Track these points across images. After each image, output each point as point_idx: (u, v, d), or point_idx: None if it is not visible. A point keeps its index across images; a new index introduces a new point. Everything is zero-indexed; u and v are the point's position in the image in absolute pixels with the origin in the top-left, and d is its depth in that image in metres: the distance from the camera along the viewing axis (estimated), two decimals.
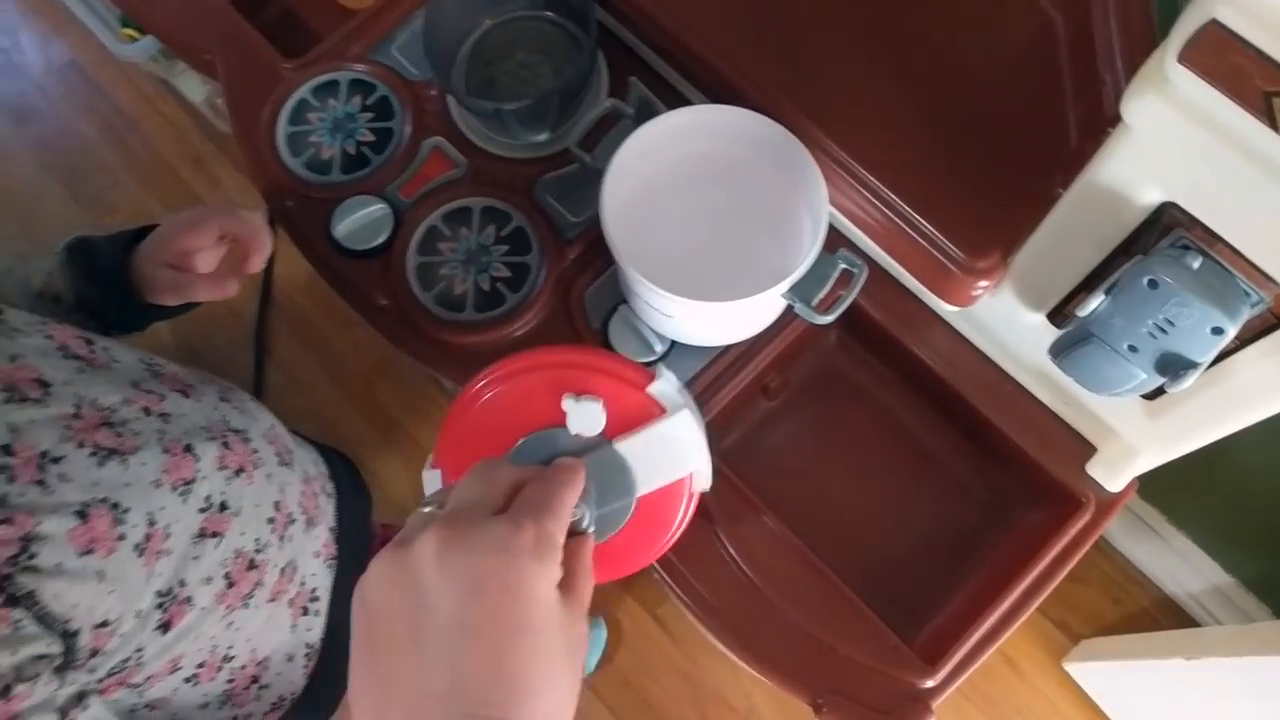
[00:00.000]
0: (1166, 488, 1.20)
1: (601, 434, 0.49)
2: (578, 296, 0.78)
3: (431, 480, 0.51)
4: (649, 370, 0.51)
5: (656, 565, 0.75)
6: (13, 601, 0.43)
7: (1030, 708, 1.32)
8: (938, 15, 0.75)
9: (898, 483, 0.81)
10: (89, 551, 0.47)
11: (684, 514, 0.51)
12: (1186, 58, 0.44)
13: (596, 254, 0.79)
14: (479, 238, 0.79)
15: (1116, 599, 1.36)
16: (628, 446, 0.49)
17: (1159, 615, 1.34)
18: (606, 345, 0.77)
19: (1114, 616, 1.35)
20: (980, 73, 0.74)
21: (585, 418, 0.49)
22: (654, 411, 0.50)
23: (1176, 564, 1.27)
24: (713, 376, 0.77)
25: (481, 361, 0.51)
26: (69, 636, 0.45)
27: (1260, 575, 1.07)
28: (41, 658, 0.43)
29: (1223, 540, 1.18)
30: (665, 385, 0.50)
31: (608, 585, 1.40)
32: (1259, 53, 0.42)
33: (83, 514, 0.48)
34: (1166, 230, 0.55)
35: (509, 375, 0.51)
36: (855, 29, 0.75)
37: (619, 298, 0.78)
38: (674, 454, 0.50)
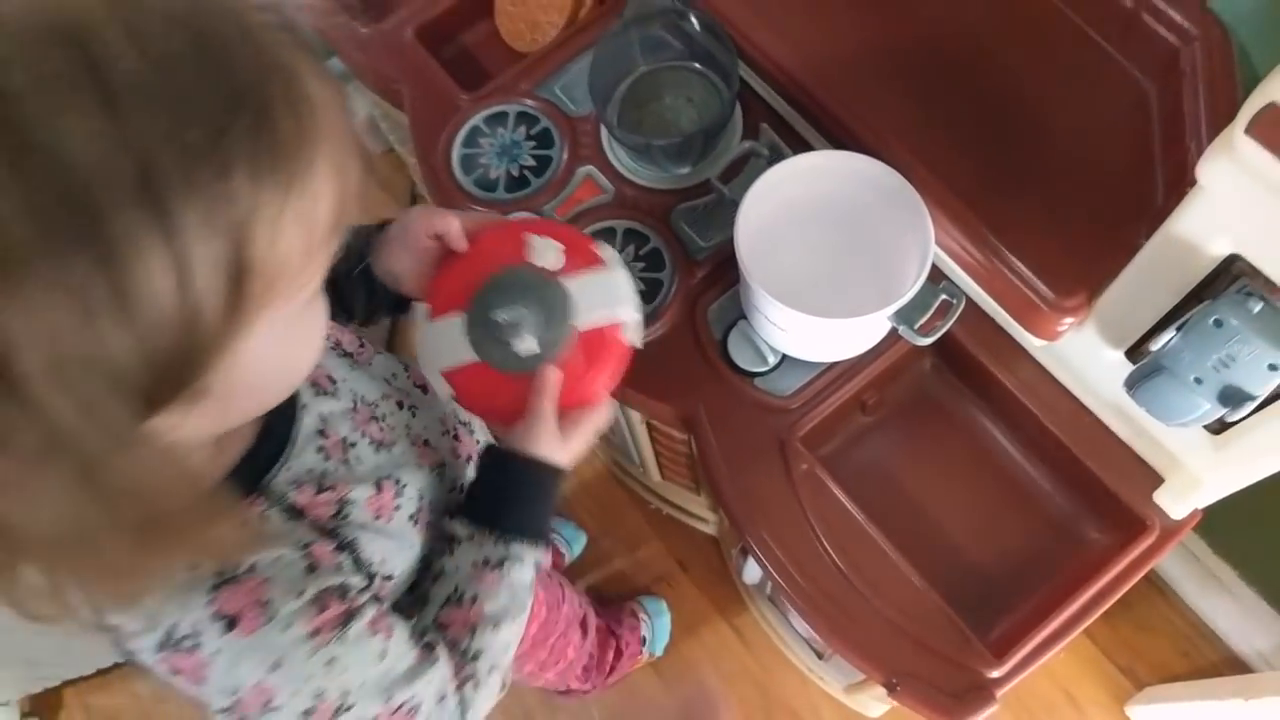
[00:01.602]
0: (1240, 543, 1.25)
1: (556, 273, 0.64)
2: (702, 311, 0.89)
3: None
4: (596, 240, 0.68)
5: (758, 551, 0.84)
6: (341, 546, 0.55)
7: None
8: (1045, 82, 0.85)
9: (979, 497, 0.89)
10: (378, 517, 0.58)
11: (619, 359, 0.65)
12: (1252, 131, 0.53)
13: (721, 275, 0.90)
14: (620, 255, 0.91)
15: (1185, 652, 1.39)
16: (572, 282, 0.64)
17: (1225, 671, 1.37)
18: (725, 355, 0.88)
19: (1181, 668, 1.38)
20: (1080, 134, 0.83)
21: (544, 253, 0.65)
22: (596, 265, 0.65)
23: (1246, 620, 1.31)
24: (818, 389, 0.87)
25: None
26: (369, 580, 0.57)
27: None
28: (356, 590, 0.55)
29: None
30: (608, 248, 0.67)
31: (689, 596, 1.49)
32: None
33: (377, 485, 0.59)
34: (1234, 279, 0.64)
35: (485, 229, 0.67)
36: (968, 88, 0.86)
37: (738, 314, 0.89)
38: (608, 299, 0.64)
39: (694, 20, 0.90)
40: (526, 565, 0.62)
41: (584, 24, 1.01)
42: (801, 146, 0.91)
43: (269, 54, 0.39)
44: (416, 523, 0.62)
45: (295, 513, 0.54)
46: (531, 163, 0.96)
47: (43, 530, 0.39)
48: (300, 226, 0.40)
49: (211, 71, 0.37)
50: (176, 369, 0.38)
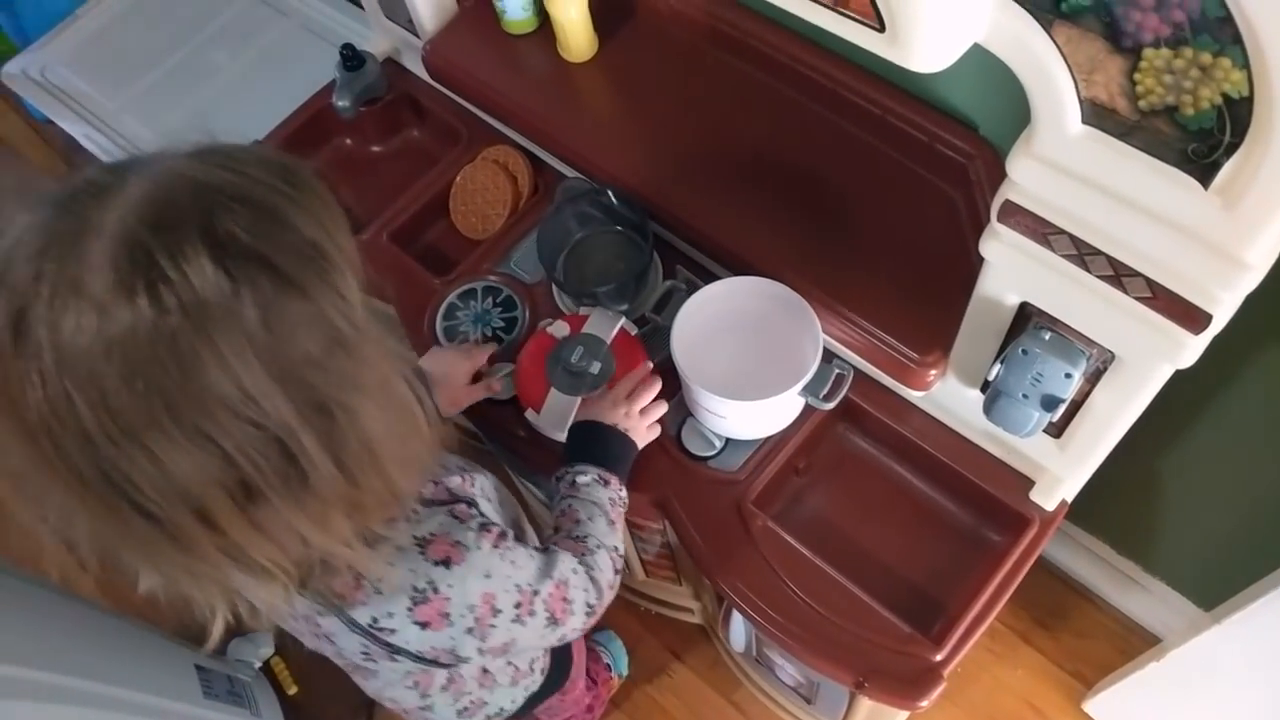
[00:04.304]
0: (1138, 540, 1.47)
1: (576, 331, 1.11)
2: None
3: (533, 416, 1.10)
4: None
5: (737, 600, 1.04)
6: (470, 503, 0.78)
7: None
8: (881, 199, 1.12)
9: (900, 524, 1.11)
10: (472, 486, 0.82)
11: (636, 342, 1.11)
12: (1001, 219, 0.79)
13: (665, 384, 1.13)
14: None
15: (1121, 649, 1.59)
16: (586, 325, 1.11)
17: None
18: (681, 446, 1.10)
19: (1121, 663, 1.57)
20: (912, 234, 1.09)
21: (560, 328, 1.12)
22: (588, 316, 1.13)
23: (1160, 608, 1.52)
24: (759, 460, 1.09)
25: None
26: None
27: (1217, 598, 1.32)
28: None
29: (1189, 578, 1.44)
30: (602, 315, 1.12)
31: (689, 682, 1.66)
32: (1032, 215, 0.76)
33: (461, 474, 0.81)
34: (1028, 318, 0.89)
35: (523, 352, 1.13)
36: (824, 214, 1.12)
37: (686, 412, 1.11)
38: (611, 321, 1.11)
39: (611, 196, 1.17)
40: (590, 478, 0.96)
41: (524, 212, 1.28)
42: (710, 277, 1.16)
43: (309, 228, 0.58)
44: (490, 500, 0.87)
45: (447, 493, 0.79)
46: (501, 324, 1.19)
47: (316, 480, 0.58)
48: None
49: (284, 233, 0.57)
50: None
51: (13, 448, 0.53)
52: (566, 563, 0.85)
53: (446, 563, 0.72)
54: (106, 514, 0.54)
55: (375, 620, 0.72)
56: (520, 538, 0.83)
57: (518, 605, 0.78)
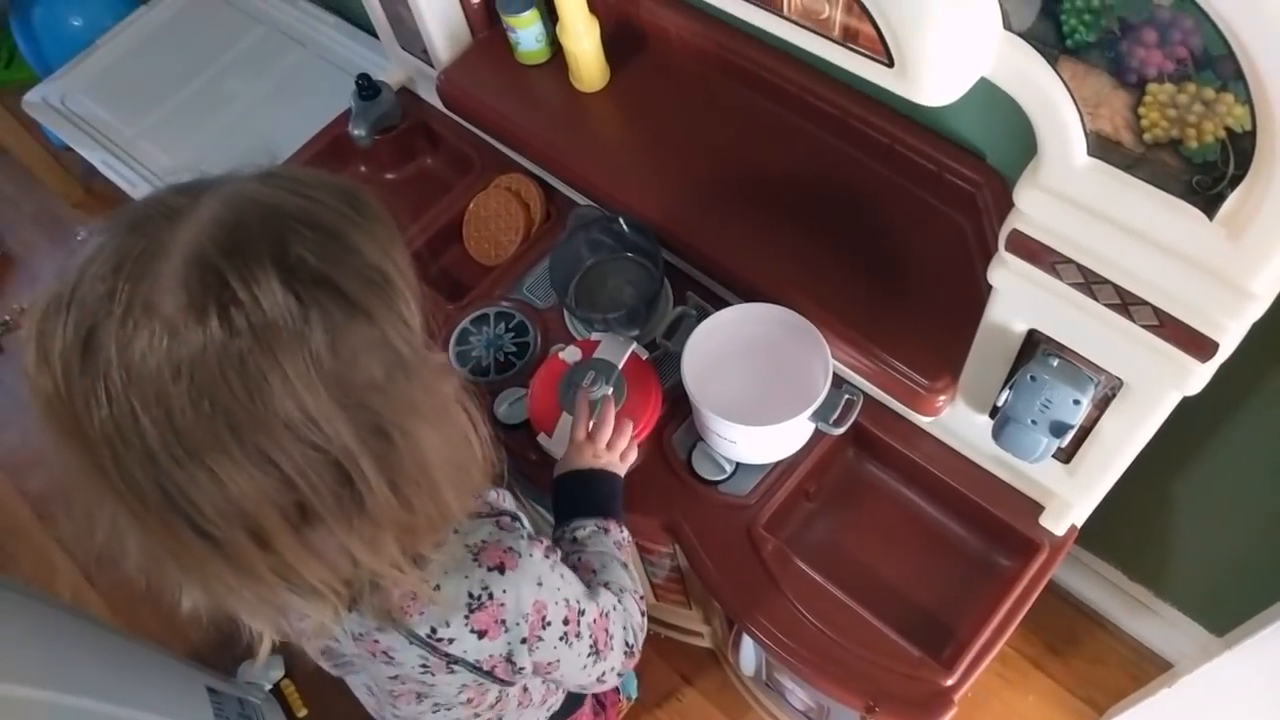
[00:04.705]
0: (1149, 565, 1.47)
1: (588, 355, 1.13)
2: (668, 439, 1.13)
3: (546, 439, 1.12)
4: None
5: (747, 624, 1.04)
6: (514, 518, 0.78)
7: None
8: (890, 226, 1.13)
9: (910, 549, 1.11)
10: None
11: (647, 367, 1.13)
12: (1009, 247, 0.80)
13: (676, 410, 1.14)
14: None
15: (1133, 675, 1.58)
16: (598, 350, 1.12)
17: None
18: (691, 470, 1.11)
19: (1133, 689, 1.56)
20: (922, 261, 1.10)
21: (572, 353, 1.14)
22: (599, 342, 1.15)
23: (1172, 633, 1.52)
24: (769, 485, 1.10)
25: None
26: None
27: (1229, 623, 1.32)
28: None
29: (1200, 603, 1.44)
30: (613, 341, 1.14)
31: (698, 706, 1.66)
32: (1040, 243, 0.77)
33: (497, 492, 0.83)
34: (1036, 345, 0.89)
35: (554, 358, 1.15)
36: (834, 241, 1.13)
37: (696, 437, 1.12)
38: (622, 346, 1.12)
39: (623, 223, 1.18)
40: (589, 530, 0.95)
41: (536, 239, 1.29)
42: (721, 303, 1.17)
43: (374, 253, 0.59)
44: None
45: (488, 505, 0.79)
46: (514, 349, 1.21)
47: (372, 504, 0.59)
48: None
49: (351, 257, 0.58)
50: None
51: (72, 463, 0.54)
52: (606, 598, 0.85)
53: (501, 568, 0.72)
54: (163, 531, 0.55)
55: (434, 630, 0.72)
56: None
57: (565, 622, 0.78)
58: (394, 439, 0.59)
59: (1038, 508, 1.06)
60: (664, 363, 1.15)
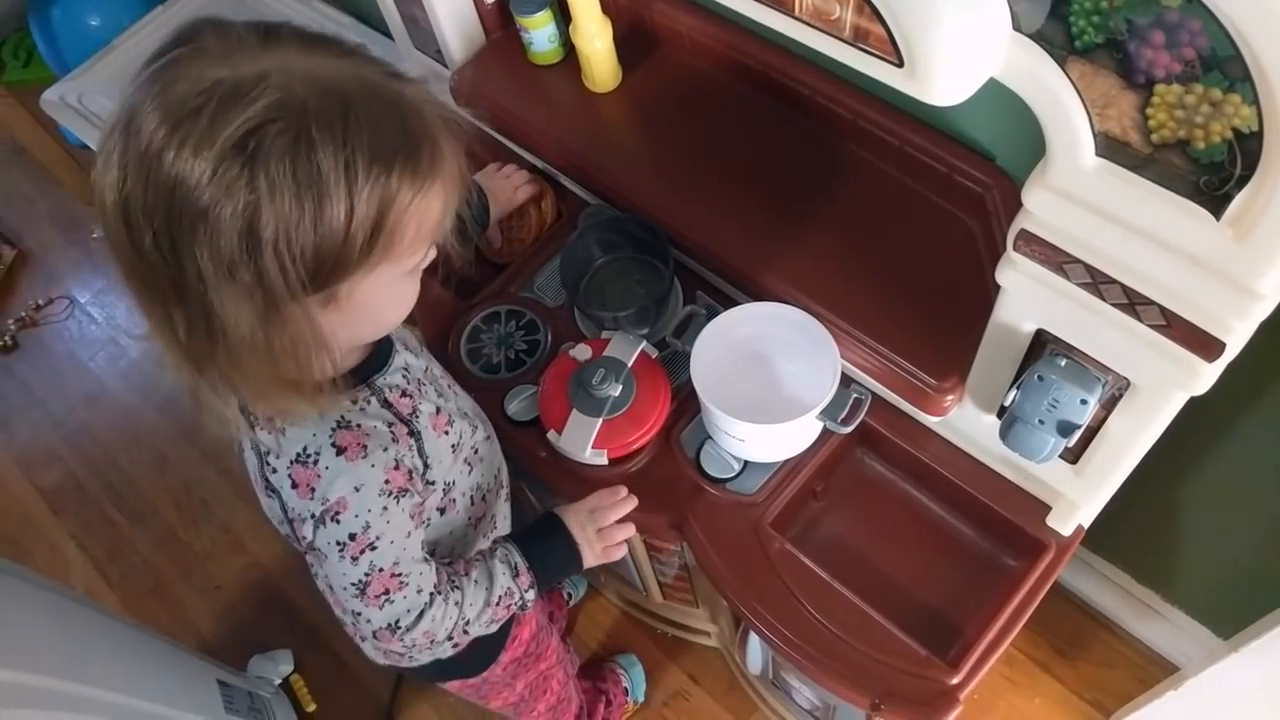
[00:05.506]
0: (1157, 568, 1.47)
1: (597, 354, 1.13)
2: (676, 437, 1.14)
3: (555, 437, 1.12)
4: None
5: (754, 622, 1.05)
6: (412, 433, 0.83)
7: None
8: (899, 227, 1.14)
9: (917, 548, 1.12)
10: (434, 428, 0.86)
11: (657, 365, 1.15)
12: (1018, 247, 0.81)
13: (685, 408, 1.15)
14: None
15: (1140, 678, 1.58)
16: (607, 349, 1.13)
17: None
18: (700, 469, 1.11)
19: (1139, 693, 1.56)
20: (931, 262, 1.11)
21: (582, 351, 1.14)
22: (609, 341, 1.15)
23: (1180, 637, 1.52)
24: (777, 483, 1.10)
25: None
26: (426, 467, 0.86)
27: (1235, 627, 1.32)
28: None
29: (1207, 606, 1.44)
30: (623, 339, 1.14)
31: (705, 706, 1.66)
32: (1048, 244, 0.78)
33: (436, 409, 0.87)
34: (1044, 345, 0.90)
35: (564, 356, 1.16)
36: (844, 242, 1.14)
37: (704, 435, 1.13)
38: (632, 344, 1.13)
39: (633, 222, 1.19)
40: (509, 561, 0.95)
41: (547, 238, 1.30)
42: (730, 302, 1.18)
43: (426, 120, 0.69)
44: (456, 456, 0.91)
45: (386, 404, 0.83)
46: (524, 347, 1.22)
47: (231, 340, 0.66)
48: (418, 217, 0.68)
49: (398, 123, 0.67)
50: (329, 266, 0.65)
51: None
52: (425, 576, 0.85)
53: (339, 450, 0.78)
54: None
55: (268, 452, 0.80)
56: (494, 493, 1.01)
57: (351, 537, 0.79)
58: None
59: (1045, 508, 1.06)
60: (673, 361, 1.16)
